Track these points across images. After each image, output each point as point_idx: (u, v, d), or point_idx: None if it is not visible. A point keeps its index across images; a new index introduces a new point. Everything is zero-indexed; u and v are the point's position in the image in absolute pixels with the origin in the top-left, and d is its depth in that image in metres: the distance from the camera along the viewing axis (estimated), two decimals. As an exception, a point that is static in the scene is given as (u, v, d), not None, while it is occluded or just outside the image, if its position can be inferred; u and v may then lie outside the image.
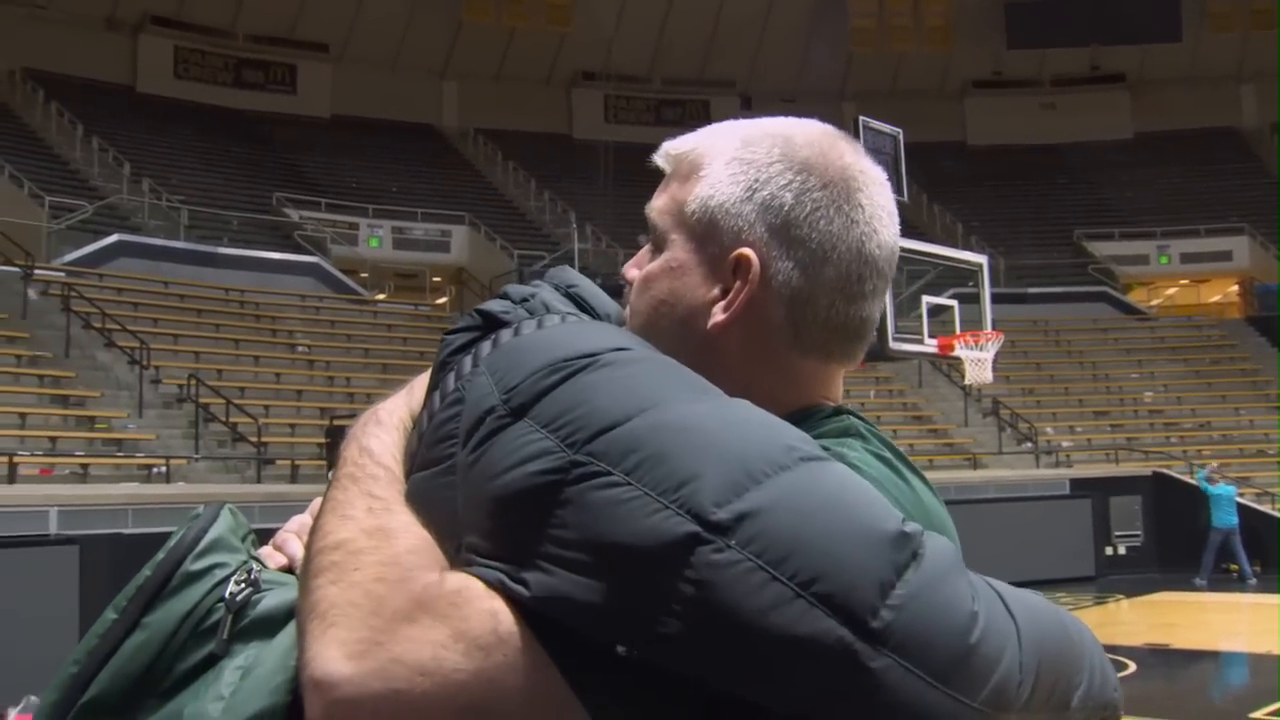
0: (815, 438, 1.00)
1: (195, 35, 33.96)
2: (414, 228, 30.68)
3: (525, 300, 1.15)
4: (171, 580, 1.12)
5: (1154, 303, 35.88)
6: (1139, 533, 22.35)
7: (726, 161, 1.15)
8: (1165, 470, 23.30)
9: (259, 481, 17.10)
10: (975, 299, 16.78)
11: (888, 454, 1.10)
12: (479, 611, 0.92)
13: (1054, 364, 29.47)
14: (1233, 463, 25.24)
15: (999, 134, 38.16)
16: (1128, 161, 36.80)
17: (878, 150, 15.20)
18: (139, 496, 14.14)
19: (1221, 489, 20.57)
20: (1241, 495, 22.70)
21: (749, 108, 40.39)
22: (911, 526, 0.90)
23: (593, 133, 38.13)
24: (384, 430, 1.13)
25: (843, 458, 1.00)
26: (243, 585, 1.11)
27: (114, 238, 23.85)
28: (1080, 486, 21.97)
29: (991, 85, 39.88)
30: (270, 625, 1.09)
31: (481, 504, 0.96)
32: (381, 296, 28.24)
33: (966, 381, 18.97)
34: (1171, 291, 37.41)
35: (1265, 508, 22.94)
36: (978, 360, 16.48)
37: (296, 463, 17.77)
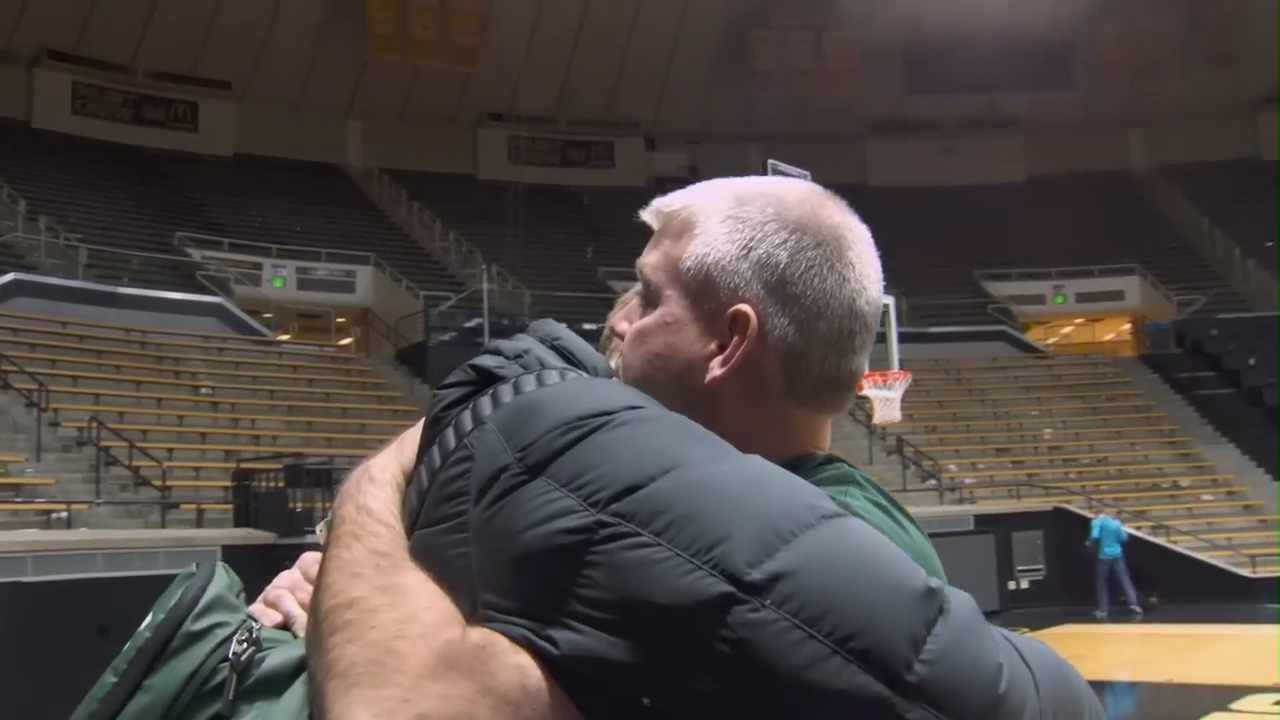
0: (815, 485, 1.02)
1: (94, 70, 33.32)
2: (318, 268, 30.34)
3: (519, 356, 1.14)
4: (173, 641, 1.11)
5: (1050, 341, 36.75)
6: (1041, 567, 22.82)
7: (721, 219, 1.18)
8: (1065, 505, 23.82)
9: (163, 526, 16.77)
10: (882, 338, 17.06)
11: (884, 501, 1.14)
12: (505, 666, 0.92)
13: (956, 402, 30.00)
14: (1129, 497, 25.91)
15: (899, 176, 38.81)
16: (1023, 203, 37.66)
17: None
18: (39, 544, 13.80)
19: (1104, 521, 21.19)
20: (1137, 528, 23.30)
21: (653, 149, 40.79)
22: (935, 581, 0.92)
23: (498, 173, 38.17)
24: (379, 488, 1.12)
25: (847, 507, 1.02)
26: (245, 644, 1.11)
27: (9, 276, 23.23)
28: (983, 522, 22.37)
29: (892, 128, 40.68)
30: (276, 684, 1.09)
31: (501, 562, 0.96)
32: (285, 337, 27.89)
33: (875, 420, 19.25)
34: (1067, 330, 38.35)
35: (1160, 540, 23.56)
36: (886, 399, 16.75)
37: (202, 506, 17.45)
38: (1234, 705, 11.97)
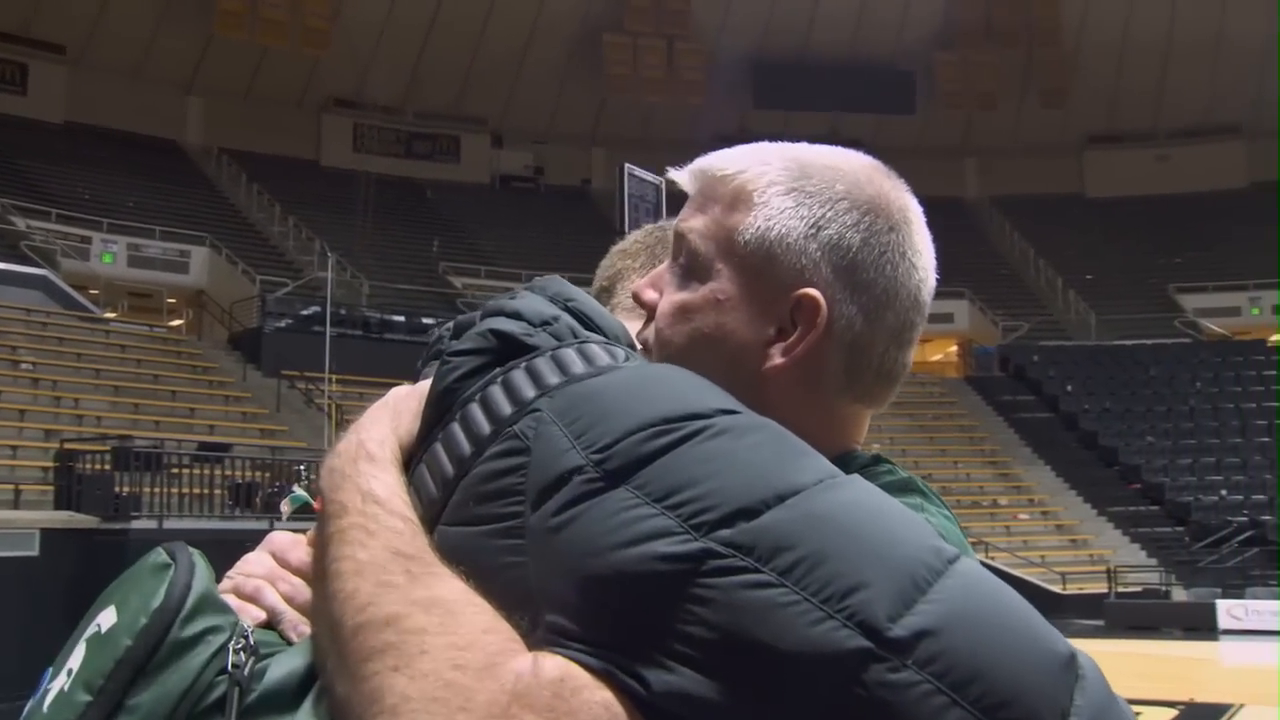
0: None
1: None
2: (150, 245, 29.37)
3: (547, 323, 1.02)
4: (159, 650, 0.95)
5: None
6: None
7: (785, 191, 1.07)
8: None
9: (-23, 506, 16.03)
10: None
11: (948, 511, 1.08)
12: (588, 704, 0.81)
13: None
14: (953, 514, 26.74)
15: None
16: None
17: (640, 197, 15.46)
18: None
19: None
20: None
21: (500, 146, 40.65)
22: (1068, 644, 0.85)
23: (341, 161, 37.56)
24: (381, 469, 0.99)
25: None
26: (244, 653, 0.96)
27: None
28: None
29: (736, 141, 40.86)
30: (281, 701, 0.95)
31: (575, 581, 0.84)
32: (113, 315, 26.92)
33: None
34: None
35: (979, 556, 24.33)
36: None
37: (20, 487, 16.71)
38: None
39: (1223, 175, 38.93)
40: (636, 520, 0.83)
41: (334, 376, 23.48)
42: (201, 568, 1.00)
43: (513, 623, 0.85)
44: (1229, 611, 22.41)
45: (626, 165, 17.26)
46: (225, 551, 1.24)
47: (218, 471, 17.63)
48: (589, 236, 22.44)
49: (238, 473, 17.96)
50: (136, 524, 15.36)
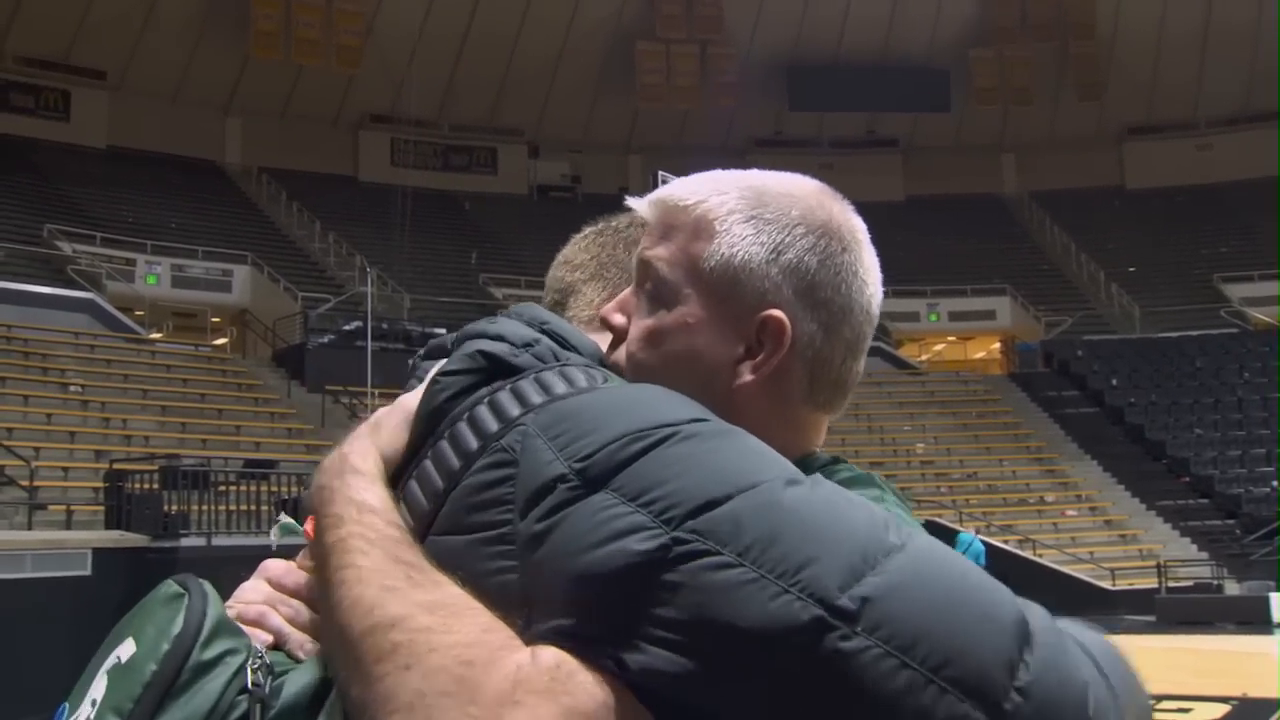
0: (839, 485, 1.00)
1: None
2: (194, 266, 29.70)
3: (529, 345, 1.10)
4: (182, 674, 1.02)
5: (924, 358, 37.55)
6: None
7: (744, 219, 1.14)
8: (936, 519, 24.32)
9: (30, 528, 16.20)
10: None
11: (904, 504, 1.15)
12: (582, 685, 0.87)
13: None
14: (997, 511, 26.59)
15: (781, 192, 39.32)
16: (900, 222, 38.48)
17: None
18: (-100, 543, 13.25)
19: (961, 536, 21.71)
20: (1005, 542, 23.93)
21: (536, 156, 40.77)
22: (1019, 607, 0.89)
23: (379, 175, 37.77)
24: (369, 482, 1.05)
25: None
26: (262, 672, 1.03)
27: None
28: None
29: (773, 144, 41.20)
30: (298, 714, 1.01)
31: (561, 579, 0.90)
32: (158, 336, 27.21)
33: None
34: (940, 348, 39.23)
35: (1027, 553, 24.22)
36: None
37: (71, 507, 16.91)
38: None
39: (1265, 162, 38.41)
40: (613, 519, 0.90)
41: (377, 390, 23.58)
42: (214, 595, 1.07)
43: (508, 623, 0.92)
44: (1284, 604, 22.11)
45: (660, 173, 17.28)
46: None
47: (264, 488, 17.75)
48: (627, 244, 22.42)
49: (284, 489, 18.08)
50: (186, 541, 15.51)
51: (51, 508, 17.02)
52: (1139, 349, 33.50)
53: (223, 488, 17.39)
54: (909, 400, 31.67)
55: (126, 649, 1.04)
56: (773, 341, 1.11)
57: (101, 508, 16.97)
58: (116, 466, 17.45)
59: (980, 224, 38.70)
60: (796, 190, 1.18)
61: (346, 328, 27.32)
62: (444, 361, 1.14)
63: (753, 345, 1.12)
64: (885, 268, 1.20)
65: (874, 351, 34.00)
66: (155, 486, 16.55)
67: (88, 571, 14.77)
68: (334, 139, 38.17)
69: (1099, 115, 41.04)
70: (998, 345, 37.89)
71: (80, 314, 24.59)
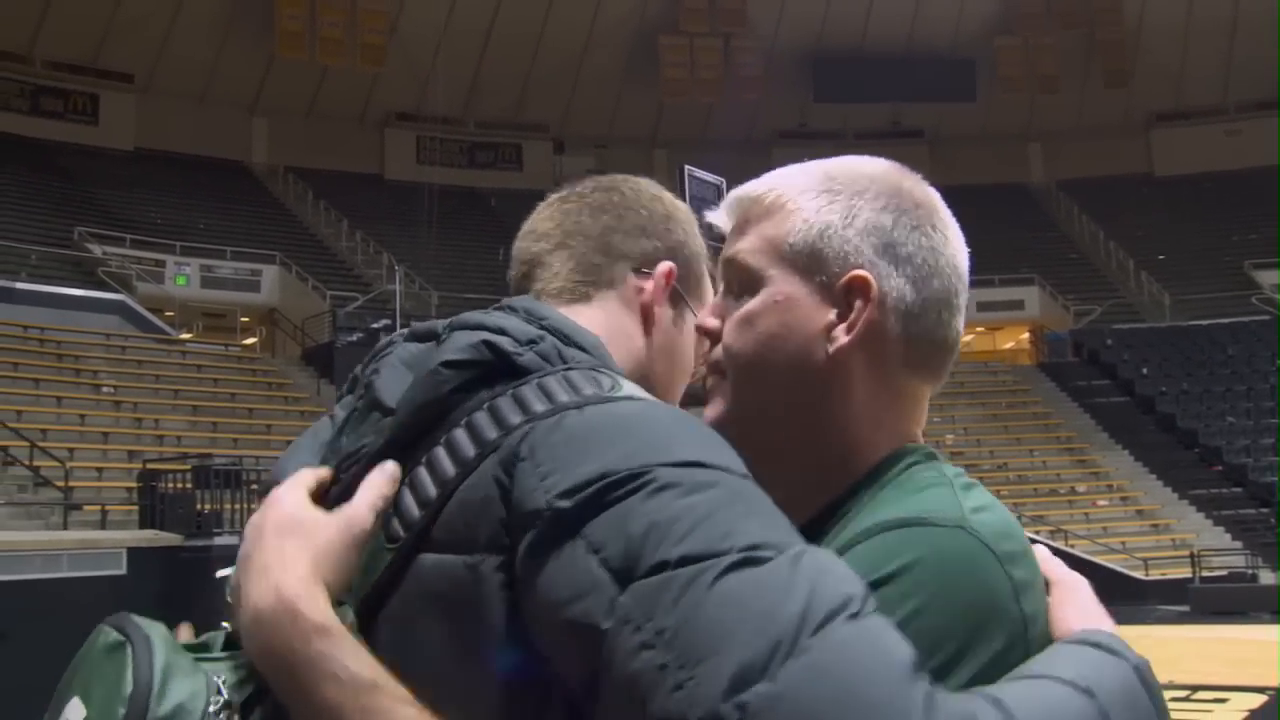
0: (941, 503, 1.04)
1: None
2: (222, 266, 29.88)
3: (533, 342, 1.09)
4: None
5: (953, 349, 37.36)
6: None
7: (815, 194, 1.18)
8: (967, 510, 24.25)
9: (65, 528, 16.34)
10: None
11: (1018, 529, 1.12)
12: None
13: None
14: (1028, 502, 26.47)
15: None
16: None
17: (702, 199, 15.47)
18: (-62, 545, 13.39)
19: None
20: (1036, 532, 23.80)
21: (562, 152, 40.78)
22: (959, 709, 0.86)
23: (405, 174, 37.88)
24: (344, 640, 0.98)
25: (1016, 566, 1.05)
26: (221, 714, 0.99)
27: (-97, 272, 22.56)
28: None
29: (797, 136, 41.11)
30: None
31: (545, 625, 0.94)
32: (189, 336, 27.38)
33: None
34: (968, 338, 39.00)
35: (1059, 544, 24.10)
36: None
37: (106, 508, 17.05)
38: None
39: (1296, 147, 38.10)
40: (580, 574, 0.91)
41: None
42: (157, 637, 1.00)
43: (503, 657, 0.96)
44: (1319, 593, 21.96)
45: (686, 167, 17.32)
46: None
47: (296, 486, 17.81)
48: (653, 238, 22.42)
49: (316, 486, 18.14)
50: (219, 540, 15.60)
51: (86, 508, 17.14)
52: (1169, 337, 33.28)
53: (255, 486, 17.49)
54: (938, 391, 31.45)
55: (75, 710, 0.98)
56: (861, 299, 1.13)
57: (135, 508, 17.09)
58: (150, 466, 17.56)
59: (1008, 214, 38.47)
60: (865, 165, 1.22)
61: (375, 325, 27.39)
62: (438, 348, 1.11)
63: (842, 309, 1.14)
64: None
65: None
66: (188, 486, 16.66)
67: (123, 571, 14.88)
68: (360, 137, 38.31)
69: (1126, 102, 40.76)
70: (1027, 335, 37.70)
71: (111, 315, 24.77)
